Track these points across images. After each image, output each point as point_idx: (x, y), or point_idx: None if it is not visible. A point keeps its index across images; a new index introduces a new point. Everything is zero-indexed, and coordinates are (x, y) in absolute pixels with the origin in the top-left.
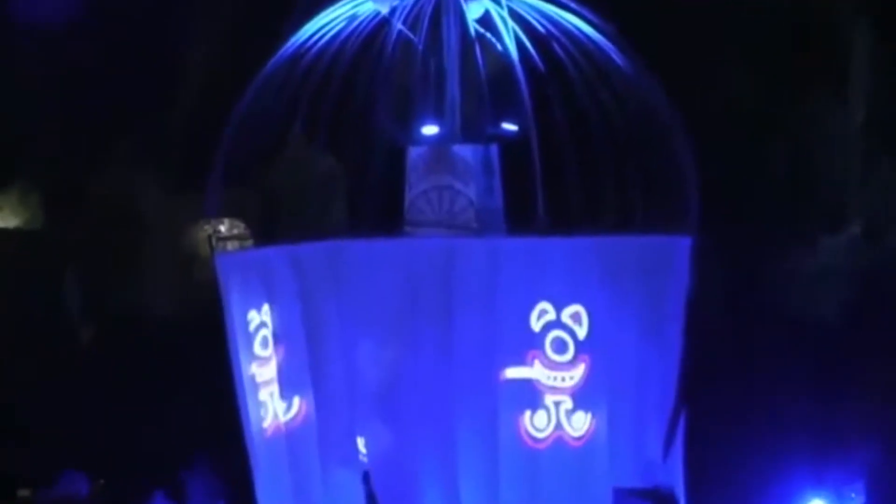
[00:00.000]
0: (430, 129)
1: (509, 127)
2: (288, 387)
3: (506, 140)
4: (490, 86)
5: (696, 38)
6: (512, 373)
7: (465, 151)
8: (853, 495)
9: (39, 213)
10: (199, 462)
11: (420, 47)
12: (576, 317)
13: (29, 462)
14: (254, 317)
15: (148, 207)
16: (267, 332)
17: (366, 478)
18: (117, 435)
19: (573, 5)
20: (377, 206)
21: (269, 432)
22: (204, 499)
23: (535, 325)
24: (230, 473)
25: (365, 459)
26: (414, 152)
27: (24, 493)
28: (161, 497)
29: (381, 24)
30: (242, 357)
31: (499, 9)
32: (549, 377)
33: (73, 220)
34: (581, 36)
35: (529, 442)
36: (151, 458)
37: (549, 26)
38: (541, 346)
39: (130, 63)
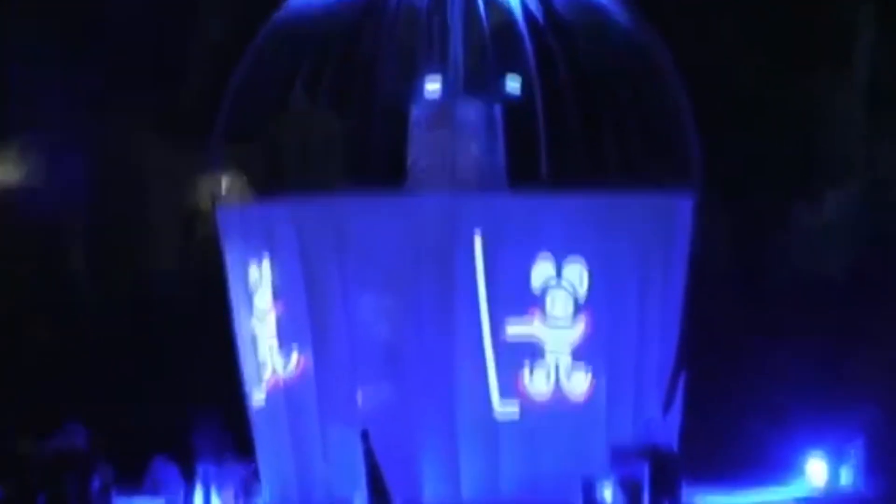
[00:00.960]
0: (433, 87)
1: (512, 84)
2: (287, 341)
3: (509, 97)
4: (493, 43)
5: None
6: (512, 330)
7: (467, 109)
8: (853, 452)
9: (40, 166)
10: (206, 417)
11: (423, 4)
12: (576, 274)
13: (29, 415)
14: (254, 272)
15: (151, 162)
16: (267, 286)
17: (364, 435)
18: (120, 389)
19: None
20: (379, 164)
21: (268, 387)
22: (211, 453)
23: (536, 282)
24: (237, 428)
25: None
26: (417, 109)
27: (23, 445)
28: (161, 461)
29: None
30: (242, 312)
31: None
32: (548, 334)
33: (74, 174)
34: None
35: (529, 400)
36: (155, 414)
37: None
38: (541, 304)
39: (134, 16)
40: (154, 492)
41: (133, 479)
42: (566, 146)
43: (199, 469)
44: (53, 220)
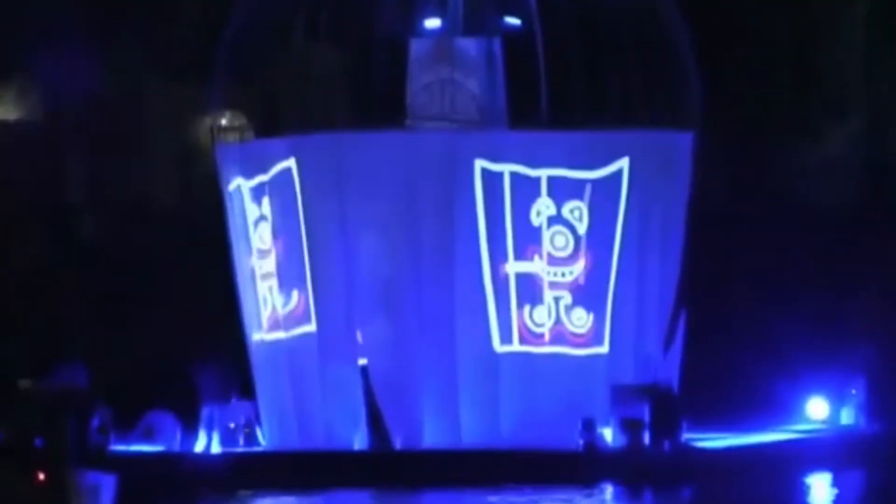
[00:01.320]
0: (432, 22)
1: (512, 20)
2: (287, 280)
3: (509, 33)
4: None
5: None
6: (512, 267)
7: (467, 45)
8: (853, 391)
9: (40, 105)
10: (210, 356)
11: None
12: (576, 212)
13: (29, 354)
14: (253, 209)
15: (151, 100)
16: (266, 224)
17: (364, 372)
18: (120, 329)
19: None
20: (380, 99)
21: (268, 326)
22: (216, 392)
23: (536, 220)
24: (242, 366)
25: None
26: (417, 45)
27: (24, 383)
28: (155, 412)
29: None
30: (241, 250)
31: None
32: (549, 272)
33: (73, 112)
34: None
35: (529, 338)
36: (157, 354)
37: None
38: (540, 241)
39: None
40: (147, 440)
41: (131, 423)
42: (567, 82)
43: (204, 411)
44: (53, 156)
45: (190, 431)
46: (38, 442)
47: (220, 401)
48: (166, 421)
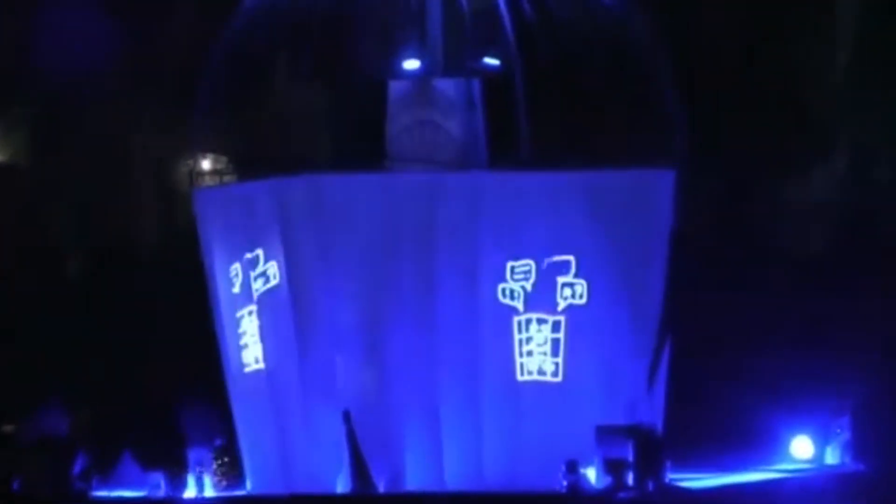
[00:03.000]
0: (411, 64)
1: (491, 61)
2: (268, 323)
3: (488, 74)
4: (472, 19)
5: None
6: (494, 307)
7: (447, 86)
8: (838, 430)
9: (25, 148)
10: (194, 401)
11: None
12: (560, 249)
13: (12, 397)
14: (234, 251)
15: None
16: (247, 266)
17: (346, 416)
18: (103, 371)
19: None
20: (359, 141)
21: (250, 370)
22: (202, 435)
23: (516, 259)
24: (226, 411)
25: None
26: (395, 87)
27: (7, 428)
28: (128, 458)
29: None
30: (222, 295)
31: None
32: (530, 312)
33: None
34: None
35: (512, 375)
36: (140, 397)
37: None
38: (521, 280)
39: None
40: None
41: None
42: (546, 122)
43: (191, 454)
44: (36, 202)
45: (174, 475)
46: (15, 486)
47: (206, 444)
48: (132, 470)
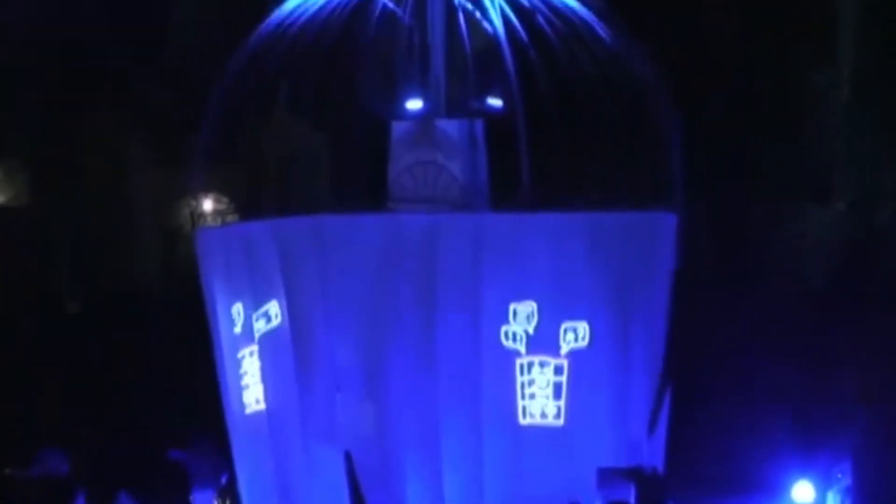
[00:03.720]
0: (414, 104)
1: (494, 102)
2: (269, 363)
3: (491, 115)
4: (475, 60)
5: (682, 8)
6: (496, 349)
7: (449, 126)
8: (840, 476)
9: (25, 190)
10: (199, 440)
11: (404, 20)
12: (558, 294)
13: (13, 440)
14: (234, 293)
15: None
16: (248, 307)
17: (347, 458)
18: (104, 412)
19: None
20: (361, 182)
21: (250, 411)
22: (206, 476)
23: (519, 301)
24: (228, 453)
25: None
26: (398, 127)
27: (7, 471)
28: (125, 497)
29: None
30: (224, 335)
31: None
32: (532, 354)
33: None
34: (566, 8)
35: (513, 419)
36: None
37: (535, 0)
38: (524, 323)
39: (114, 37)
40: None
41: None
42: (549, 163)
43: (195, 496)
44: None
45: None
46: None
47: (210, 485)
48: None
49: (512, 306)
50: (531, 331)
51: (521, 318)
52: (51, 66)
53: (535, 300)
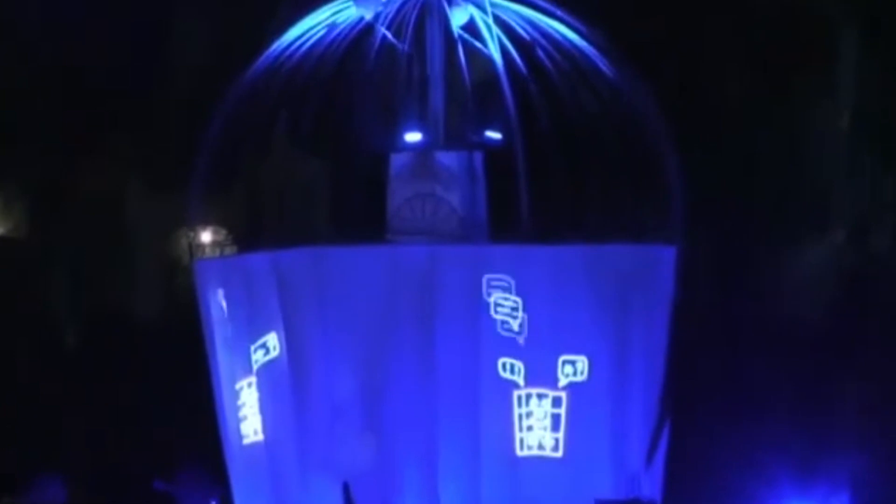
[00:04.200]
0: (413, 136)
1: (493, 134)
2: (267, 394)
3: (490, 147)
4: (474, 93)
5: (683, 46)
6: (494, 380)
7: (448, 158)
8: None
9: (24, 220)
10: (190, 464)
11: (404, 53)
12: (562, 324)
13: (12, 467)
14: (234, 324)
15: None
16: (246, 339)
17: (345, 488)
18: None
19: (559, 13)
20: (360, 213)
21: (248, 442)
22: (196, 500)
23: (517, 331)
24: (221, 474)
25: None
26: (397, 159)
27: (6, 500)
28: None
29: (365, 30)
30: (222, 366)
31: (483, 16)
32: (530, 385)
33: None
34: (566, 43)
35: (511, 450)
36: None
37: (534, 33)
38: (523, 354)
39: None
40: None
41: None
42: (548, 196)
43: None
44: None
45: None
46: None
47: None
48: None
49: (511, 337)
50: (529, 362)
51: (521, 348)
52: (51, 98)
53: (534, 332)
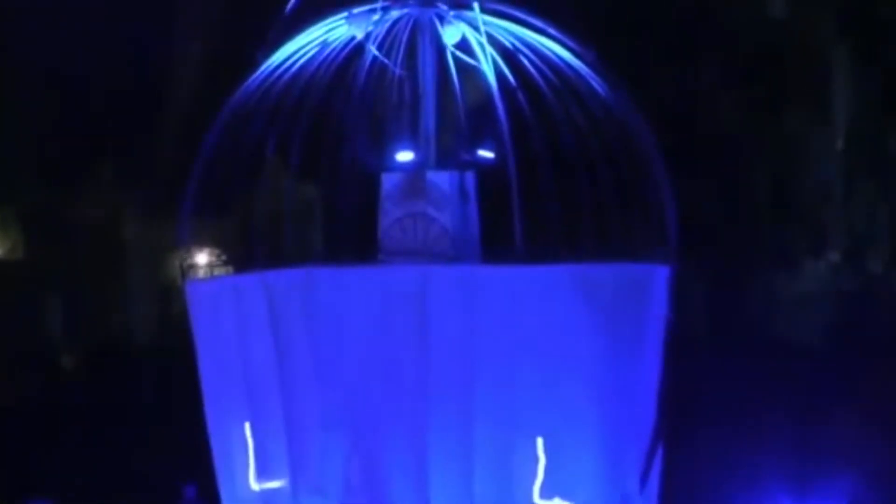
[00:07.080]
0: (404, 156)
1: (485, 154)
2: (258, 419)
3: (482, 167)
4: (466, 112)
5: (675, 63)
6: (489, 402)
7: (440, 178)
8: None
9: (19, 242)
10: (189, 492)
11: (395, 72)
12: (555, 345)
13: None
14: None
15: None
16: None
17: None
18: (96, 467)
19: (551, 31)
20: (351, 234)
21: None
22: None
23: (511, 352)
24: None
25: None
26: (388, 179)
27: None
28: None
29: (355, 49)
30: (214, 389)
31: (476, 34)
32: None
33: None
34: (559, 62)
35: (508, 475)
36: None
37: (527, 52)
38: (517, 375)
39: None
40: None
41: None
42: (541, 216)
43: None
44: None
45: None
46: None
47: None
48: None
49: (504, 359)
50: (525, 381)
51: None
52: (45, 123)
53: (527, 353)
